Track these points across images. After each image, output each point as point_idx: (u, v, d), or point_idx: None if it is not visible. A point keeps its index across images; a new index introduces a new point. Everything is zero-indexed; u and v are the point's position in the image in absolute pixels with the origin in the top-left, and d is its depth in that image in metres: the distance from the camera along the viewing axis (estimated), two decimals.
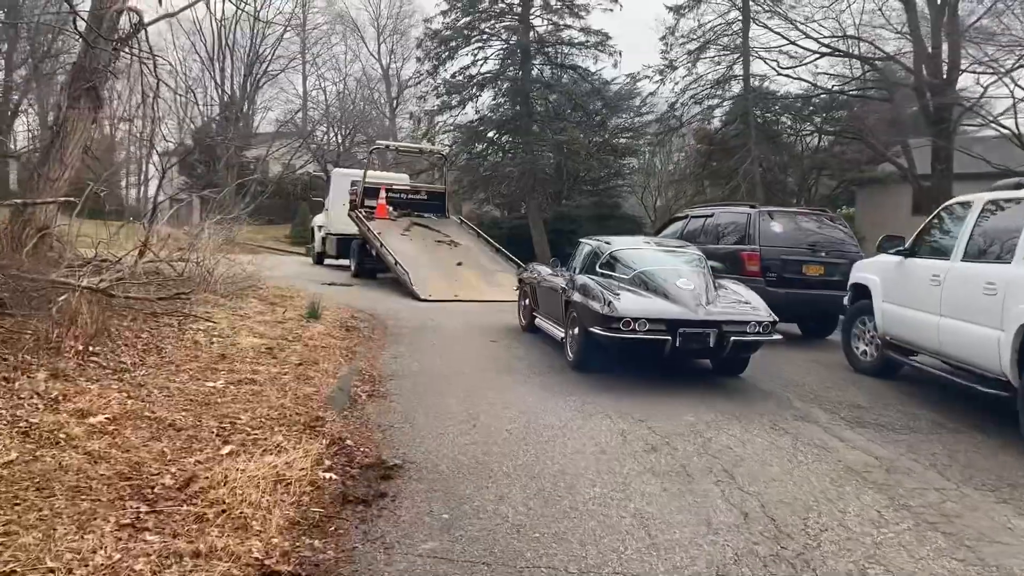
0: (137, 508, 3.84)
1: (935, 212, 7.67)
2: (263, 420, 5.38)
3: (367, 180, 18.87)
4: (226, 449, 4.78)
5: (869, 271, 8.49)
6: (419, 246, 16.55)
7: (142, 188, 70.69)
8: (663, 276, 7.92)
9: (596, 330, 7.32)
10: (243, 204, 40.15)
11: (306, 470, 4.50)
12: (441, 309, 12.76)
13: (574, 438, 5.60)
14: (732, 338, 7.30)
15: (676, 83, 25.43)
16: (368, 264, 17.95)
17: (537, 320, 10.04)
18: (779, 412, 6.68)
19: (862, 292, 8.59)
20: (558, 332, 8.80)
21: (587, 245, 9.50)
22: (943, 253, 7.13)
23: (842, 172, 30.56)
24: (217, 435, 5.01)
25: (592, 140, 27.24)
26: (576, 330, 8.03)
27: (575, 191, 28.17)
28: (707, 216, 11.57)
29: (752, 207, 10.76)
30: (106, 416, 5.08)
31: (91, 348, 6.55)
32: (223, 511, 3.84)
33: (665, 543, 3.87)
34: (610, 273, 8.36)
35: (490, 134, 27.60)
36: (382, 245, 15.90)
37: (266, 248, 41.50)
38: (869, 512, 4.39)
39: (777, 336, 7.66)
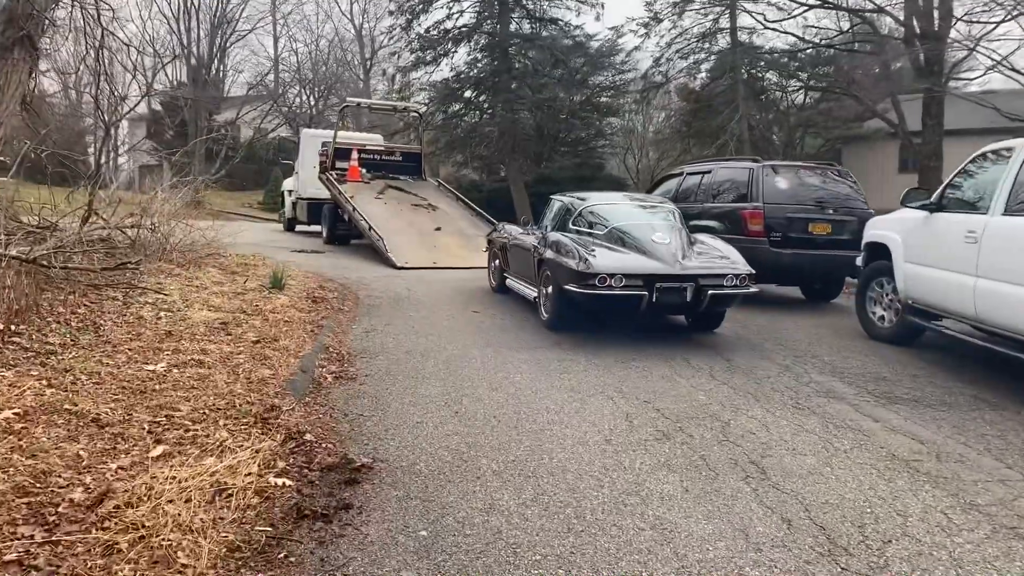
0: (30, 536, 3.02)
1: (966, 162, 6.89)
2: (207, 412, 4.55)
3: (338, 141, 17.85)
4: (157, 450, 3.96)
5: (888, 228, 7.73)
6: (394, 210, 15.64)
7: (112, 154, 69.04)
8: (638, 231, 7.77)
9: (571, 287, 7.13)
10: (213, 169, 38.99)
11: (253, 476, 3.69)
12: (419, 277, 11.91)
13: (573, 425, 4.82)
14: (709, 292, 7.19)
15: (662, 36, 24.45)
16: (341, 230, 17.02)
17: (508, 280, 9.86)
18: (799, 388, 5.94)
19: (879, 252, 7.84)
20: (530, 292, 8.62)
21: (559, 202, 9.26)
22: (978, 207, 6.38)
23: (828, 130, 29.86)
24: (149, 432, 4.18)
25: (573, 98, 26.24)
26: (550, 288, 7.85)
27: (556, 152, 27.14)
28: (704, 172, 10.75)
29: (755, 161, 9.94)
30: (15, 411, 4.24)
31: (13, 327, 5.68)
32: (141, 538, 3.03)
33: (698, 566, 3.11)
34: (583, 229, 8.20)
35: (467, 93, 26.50)
36: (354, 209, 14.97)
37: (237, 214, 40.34)
38: (933, 514, 3.66)
39: (754, 288, 7.53)
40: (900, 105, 23.90)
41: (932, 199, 7.02)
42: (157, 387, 4.95)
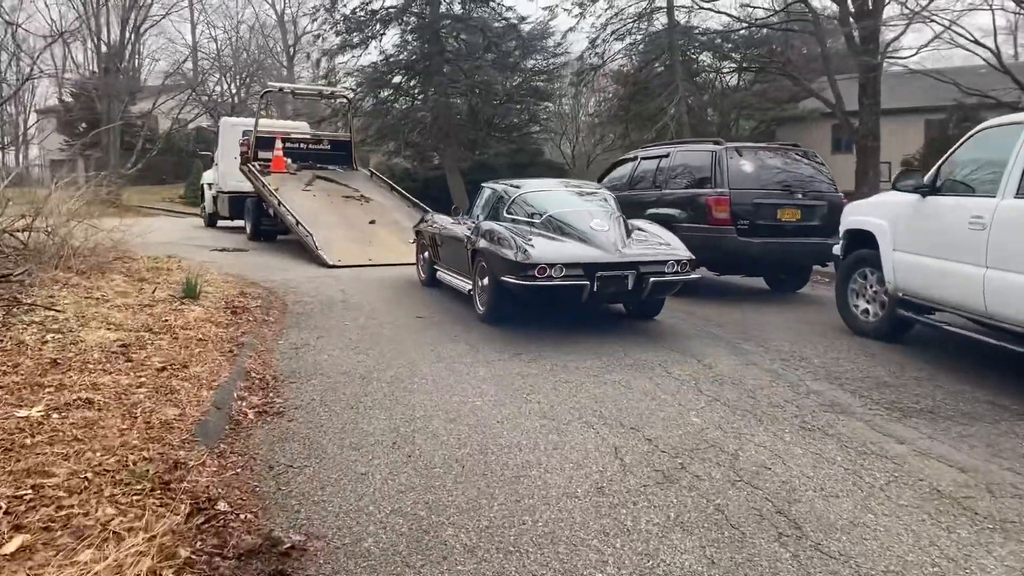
0: None
1: (964, 139, 6.25)
2: (90, 476, 3.53)
3: (260, 129, 16.58)
4: (13, 544, 2.94)
5: (872, 214, 7.07)
6: (324, 203, 14.51)
7: (20, 149, 65.32)
8: (576, 219, 7.53)
9: (509, 279, 6.85)
10: (129, 163, 36.79)
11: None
12: (354, 276, 10.88)
13: (554, 468, 3.95)
14: (651, 279, 7.01)
15: (598, 16, 23.72)
16: (266, 225, 15.81)
17: (439, 273, 9.53)
18: (799, 401, 5.19)
19: (861, 240, 7.19)
20: (464, 284, 8.29)
21: (490, 190, 8.91)
22: (983, 189, 5.73)
23: (763, 111, 29.71)
24: (6, 514, 3.16)
25: (508, 83, 25.31)
26: (485, 280, 7.56)
27: (491, 138, 26.15)
28: (661, 157, 9.97)
29: (717, 143, 9.20)
30: None
31: None
32: None
33: None
34: (518, 218, 7.90)
35: (396, 79, 25.28)
36: (280, 203, 13.80)
37: (158, 210, 38.34)
38: None
39: (696, 275, 7.44)
40: (836, 85, 23.75)
41: (925, 181, 6.36)
42: (28, 441, 3.89)
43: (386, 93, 24.81)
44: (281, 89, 18.54)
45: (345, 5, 24.13)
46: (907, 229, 6.50)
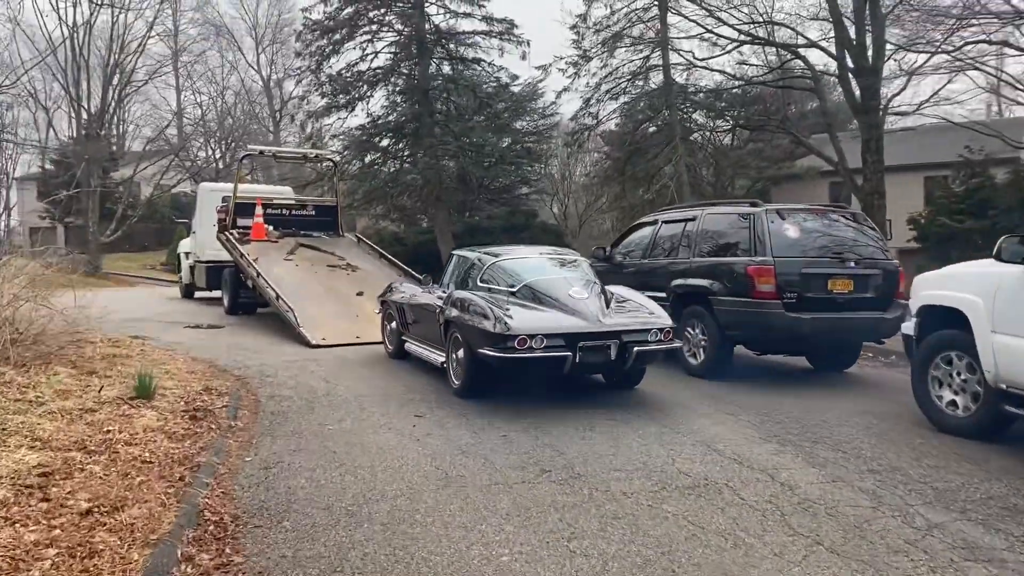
0: None
1: None
2: None
3: (240, 195, 15.45)
4: None
5: (959, 288, 5.93)
6: (307, 273, 13.31)
7: (3, 217, 64.26)
8: (554, 287, 7.29)
9: (487, 351, 6.55)
10: (109, 230, 35.63)
11: None
12: (340, 359, 9.62)
13: None
14: (635, 348, 6.80)
15: (593, 74, 22.97)
16: (244, 297, 14.56)
17: (408, 345, 9.12)
18: (922, 542, 3.95)
19: (944, 319, 6.05)
20: (436, 357, 7.96)
21: (463, 257, 8.62)
22: None
23: (760, 170, 29.05)
24: None
25: (499, 144, 24.49)
26: (460, 353, 7.26)
27: (482, 200, 25.21)
28: (687, 220, 8.86)
29: (754, 204, 8.11)
30: None
31: None
32: None
33: None
34: (492, 287, 7.58)
35: (383, 142, 24.37)
36: (259, 275, 12.58)
37: (137, 278, 37.12)
38: None
39: (677, 343, 7.33)
40: (838, 141, 23.11)
41: None
42: None
43: (373, 156, 23.86)
44: (262, 152, 17.42)
45: (331, 67, 23.34)
46: (1012, 306, 5.37)
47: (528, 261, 7.98)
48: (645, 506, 4.42)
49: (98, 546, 3.62)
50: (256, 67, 55.81)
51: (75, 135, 41.63)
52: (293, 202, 16.91)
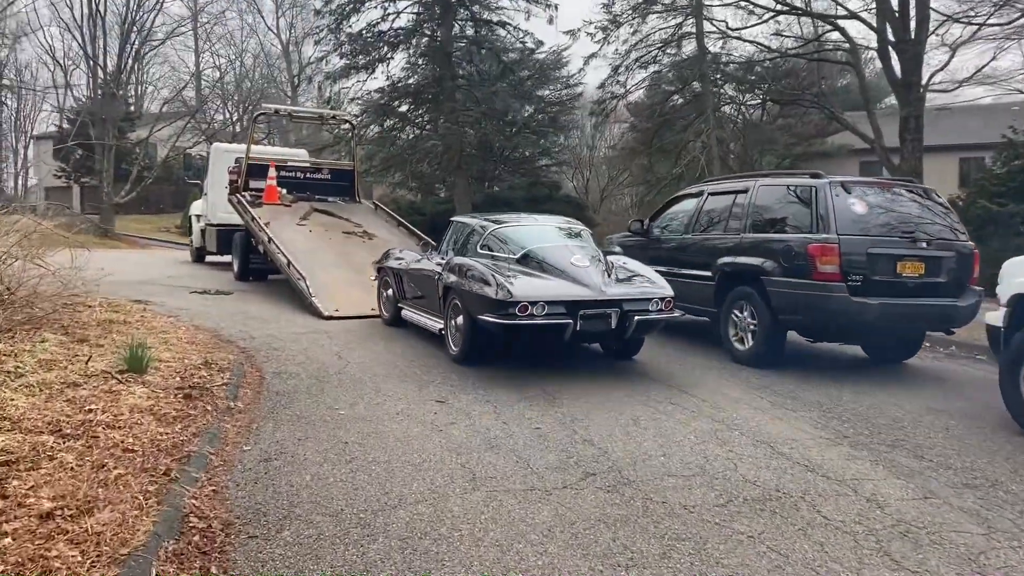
0: None
1: None
2: None
3: (252, 156, 14.73)
4: None
5: None
6: (321, 240, 12.60)
7: (21, 175, 63.92)
8: (556, 255, 7.23)
9: (488, 318, 6.52)
10: (123, 191, 35.08)
11: None
12: (354, 331, 8.95)
13: None
14: (636, 318, 6.76)
15: (624, 41, 21.96)
16: (256, 263, 13.89)
17: (404, 312, 9.01)
18: None
19: None
20: (434, 324, 7.91)
21: (462, 223, 8.52)
22: None
23: (788, 147, 28.05)
24: None
25: (523, 112, 23.60)
26: (459, 319, 7.20)
27: (503, 171, 24.32)
28: (737, 192, 8.07)
29: (815, 176, 7.29)
30: None
31: None
32: None
33: None
34: (493, 254, 7.54)
35: (403, 107, 23.50)
36: (270, 240, 11.89)
37: (151, 241, 36.63)
38: None
39: (678, 313, 7.14)
40: (876, 117, 22.08)
41: None
42: None
43: (392, 121, 23.00)
44: (277, 111, 16.57)
45: (351, 26, 22.45)
46: None
47: (530, 229, 7.89)
48: (712, 524, 3.72)
49: (53, 563, 2.96)
50: (275, 30, 54.98)
51: (91, 94, 40.90)
52: (308, 165, 16.16)
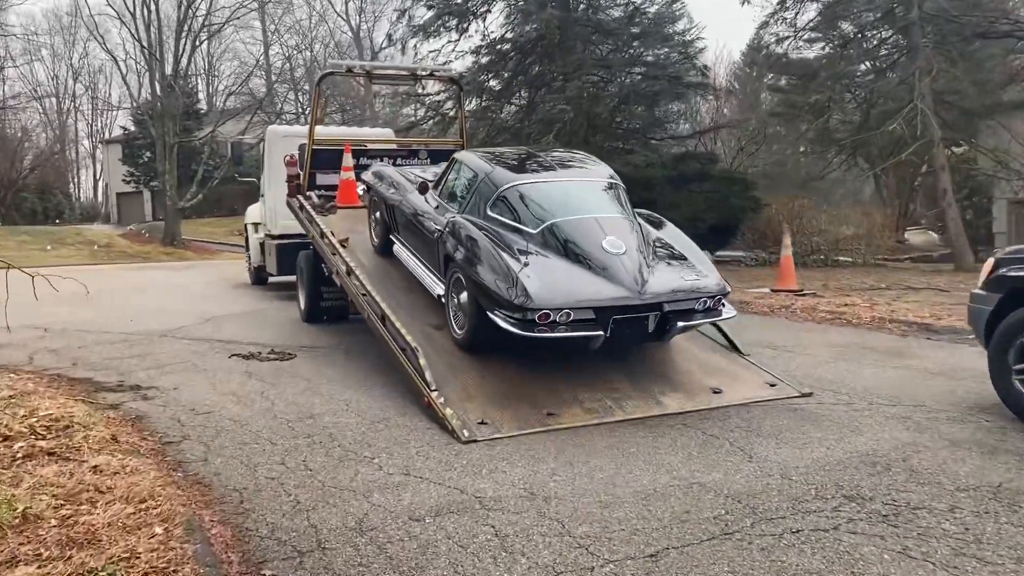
0: None
1: None
2: None
3: (319, 138, 10.07)
4: None
5: None
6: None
7: (97, 184, 61.85)
8: (585, 234, 5.74)
9: (503, 323, 5.29)
10: (188, 193, 31.04)
11: None
12: (548, 491, 4.06)
13: None
14: (680, 323, 5.59)
15: None
16: (330, 298, 9.28)
17: (396, 248, 7.60)
18: None
19: None
20: (433, 285, 6.54)
21: (466, 167, 6.75)
22: None
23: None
24: None
25: (659, 64, 18.40)
26: (463, 297, 5.89)
27: (635, 144, 19.02)
28: None
29: None
30: None
31: None
32: None
33: None
34: (505, 221, 5.99)
35: (505, 73, 18.59)
36: (349, 271, 7.16)
37: (221, 246, 32.68)
38: None
39: (729, 313, 5.86)
40: None
41: None
42: None
43: (501, 81, 18.14)
44: (350, 70, 11.28)
45: None
46: None
47: (554, 188, 6.27)
48: None
49: None
50: (345, 16, 51.23)
51: (152, 92, 37.39)
52: (398, 146, 11.39)
